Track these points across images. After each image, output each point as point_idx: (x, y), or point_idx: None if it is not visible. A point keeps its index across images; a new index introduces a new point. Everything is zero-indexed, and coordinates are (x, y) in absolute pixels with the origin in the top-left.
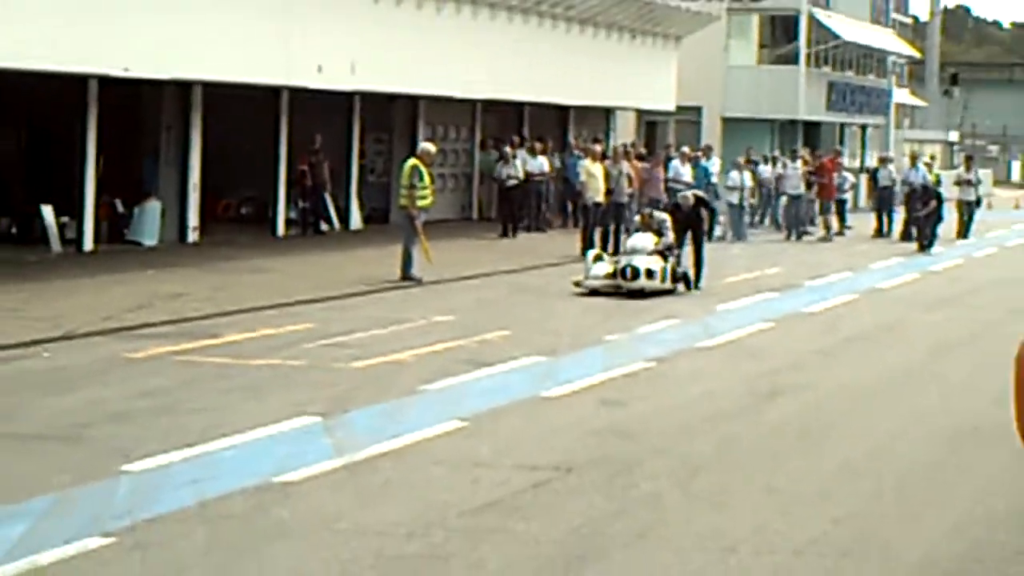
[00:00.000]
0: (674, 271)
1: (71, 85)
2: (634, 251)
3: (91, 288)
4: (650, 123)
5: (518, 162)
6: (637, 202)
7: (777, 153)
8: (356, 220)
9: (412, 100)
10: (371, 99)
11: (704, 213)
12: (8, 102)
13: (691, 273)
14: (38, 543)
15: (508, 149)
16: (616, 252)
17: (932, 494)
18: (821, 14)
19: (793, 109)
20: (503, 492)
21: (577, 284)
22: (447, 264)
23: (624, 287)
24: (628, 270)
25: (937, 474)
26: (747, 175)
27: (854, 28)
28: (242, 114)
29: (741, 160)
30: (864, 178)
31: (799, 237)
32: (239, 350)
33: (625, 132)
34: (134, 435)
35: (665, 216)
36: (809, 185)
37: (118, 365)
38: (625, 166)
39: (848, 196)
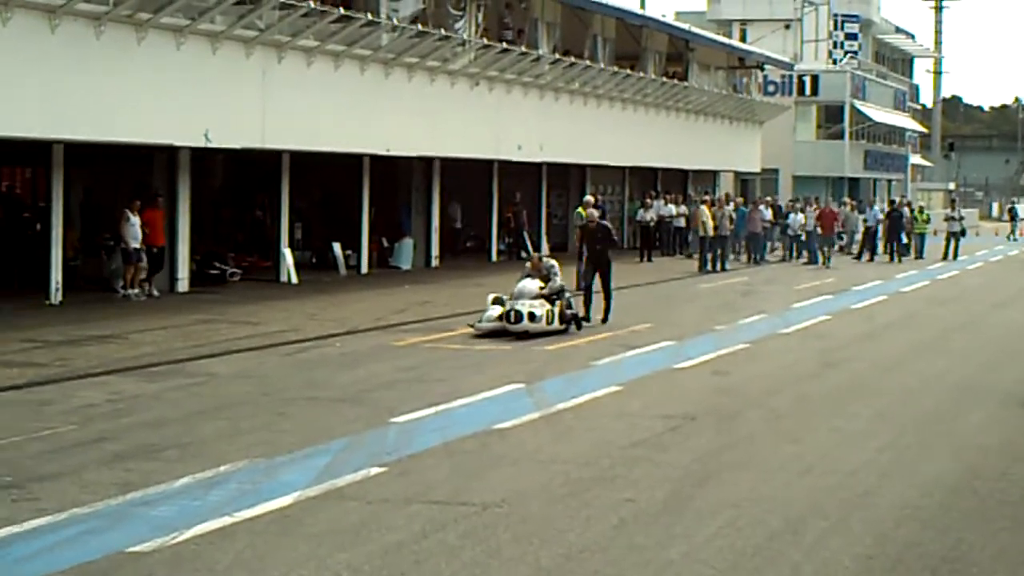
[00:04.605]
0: (562, 313)
1: (351, 160)
2: (520, 295)
3: (366, 299)
4: (743, 180)
5: (654, 208)
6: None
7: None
8: (544, 249)
9: (581, 167)
10: (554, 167)
11: (611, 242)
12: (310, 172)
13: (582, 312)
14: (336, 470)
15: (647, 200)
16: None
17: (941, 432)
18: (859, 104)
19: (841, 169)
20: (648, 433)
21: (472, 327)
22: None
23: (509, 329)
24: (512, 314)
25: (944, 418)
26: (801, 216)
27: (882, 113)
28: (467, 178)
29: (798, 206)
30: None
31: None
32: (467, 339)
33: (726, 186)
34: (398, 397)
35: (554, 262)
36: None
37: (386, 350)
38: (727, 209)
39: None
